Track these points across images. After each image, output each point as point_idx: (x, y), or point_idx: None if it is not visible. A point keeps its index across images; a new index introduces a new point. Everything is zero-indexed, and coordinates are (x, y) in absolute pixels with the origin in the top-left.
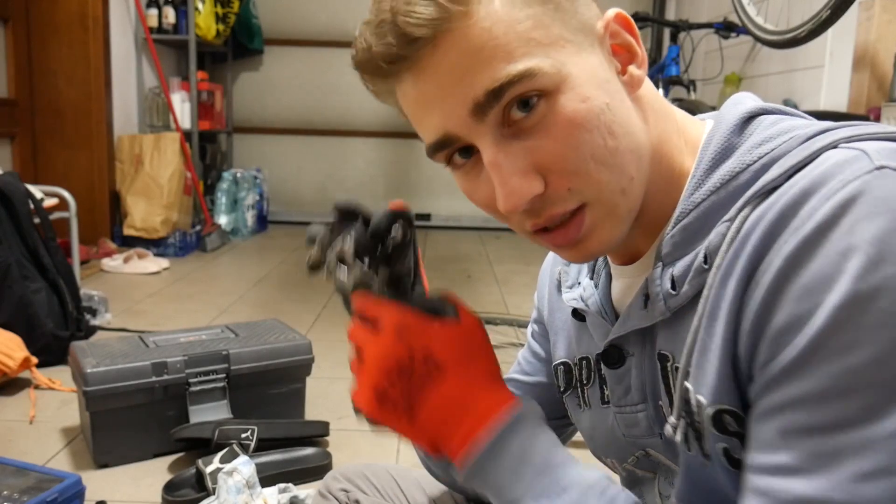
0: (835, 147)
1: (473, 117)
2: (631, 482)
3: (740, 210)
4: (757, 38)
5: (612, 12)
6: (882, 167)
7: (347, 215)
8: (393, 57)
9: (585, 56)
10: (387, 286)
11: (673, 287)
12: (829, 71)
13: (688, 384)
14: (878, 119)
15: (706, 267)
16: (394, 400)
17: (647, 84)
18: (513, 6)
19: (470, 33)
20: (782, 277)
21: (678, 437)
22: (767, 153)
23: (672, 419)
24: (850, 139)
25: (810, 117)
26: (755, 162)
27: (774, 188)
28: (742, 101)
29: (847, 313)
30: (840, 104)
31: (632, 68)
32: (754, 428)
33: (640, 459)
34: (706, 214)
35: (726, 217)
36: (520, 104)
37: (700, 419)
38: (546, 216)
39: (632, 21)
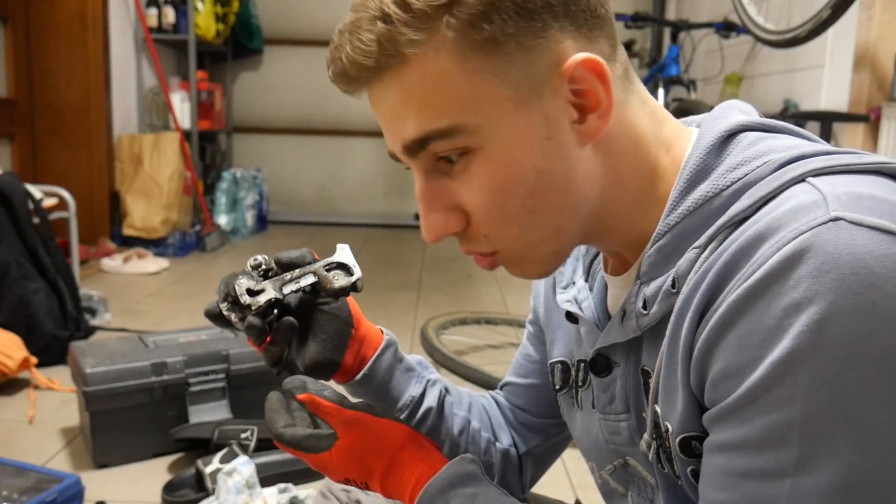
0: (802, 181)
1: (404, 154)
2: (606, 493)
3: (711, 238)
4: (757, 38)
5: (579, 57)
6: (836, 219)
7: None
8: (347, 78)
9: (526, 112)
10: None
11: (644, 307)
12: (829, 71)
13: (657, 408)
14: (878, 119)
15: (674, 291)
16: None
17: (623, 117)
18: (452, 60)
19: (406, 79)
20: (726, 323)
21: (650, 457)
22: (740, 178)
23: (646, 436)
24: (820, 171)
25: (799, 129)
26: (728, 187)
27: (745, 218)
28: (725, 115)
29: (785, 369)
30: (840, 104)
31: (592, 117)
32: (705, 459)
33: (618, 469)
34: (679, 238)
35: (696, 243)
36: (443, 156)
37: (669, 443)
38: (465, 249)
39: (603, 68)
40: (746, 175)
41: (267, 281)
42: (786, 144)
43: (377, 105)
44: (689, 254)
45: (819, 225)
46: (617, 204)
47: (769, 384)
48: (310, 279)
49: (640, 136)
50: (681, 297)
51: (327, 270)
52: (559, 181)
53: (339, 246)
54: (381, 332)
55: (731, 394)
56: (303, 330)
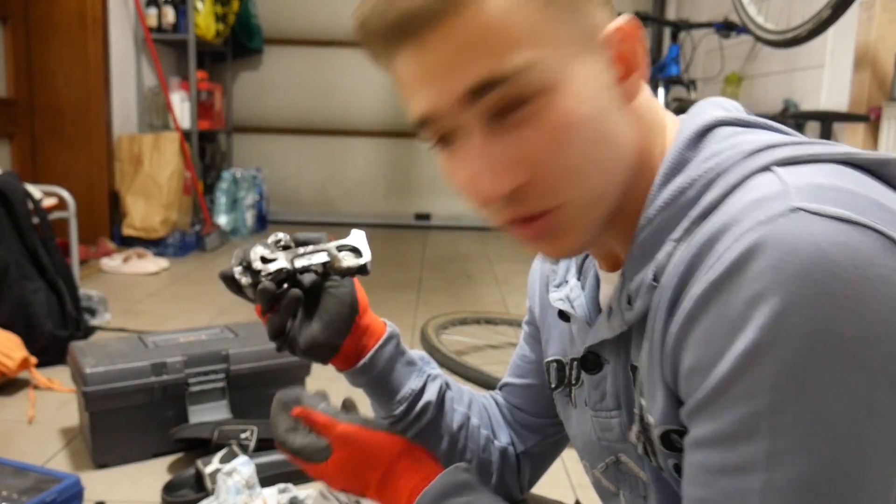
0: (768, 170)
1: (465, 102)
2: (600, 492)
3: (687, 230)
4: (757, 38)
5: (623, 18)
6: (797, 209)
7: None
8: (395, 28)
9: (586, 60)
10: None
11: (629, 301)
12: (829, 70)
13: (643, 401)
14: (878, 119)
15: (655, 285)
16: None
17: (645, 93)
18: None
19: (475, 19)
20: (692, 317)
21: (640, 450)
22: (712, 167)
23: (635, 427)
24: (787, 161)
25: (778, 125)
26: (701, 177)
27: (715, 208)
28: (703, 112)
29: (749, 360)
30: (841, 104)
31: (632, 78)
32: (685, 455)
33: (609, 467)
34: (658, 231)
35: (673, 235)
36: (513, 98)
37: (652, 437)
38: (522, 211)
39: (641, 30)
40: (718, 164)
41: (281, 252)
42: (760, 138)
43: (426, 57)
44: (667, 246)
45: (779, 215)
46: (637, 178)
47: (735, 377)
48: (322, 257)
49: (656, 117)
50: (657, 291)
51: (339, 251)
52: (615, 133)
53: (353, 231)
54: (385, 324)
55: (701, 388)
56: (309, 310)
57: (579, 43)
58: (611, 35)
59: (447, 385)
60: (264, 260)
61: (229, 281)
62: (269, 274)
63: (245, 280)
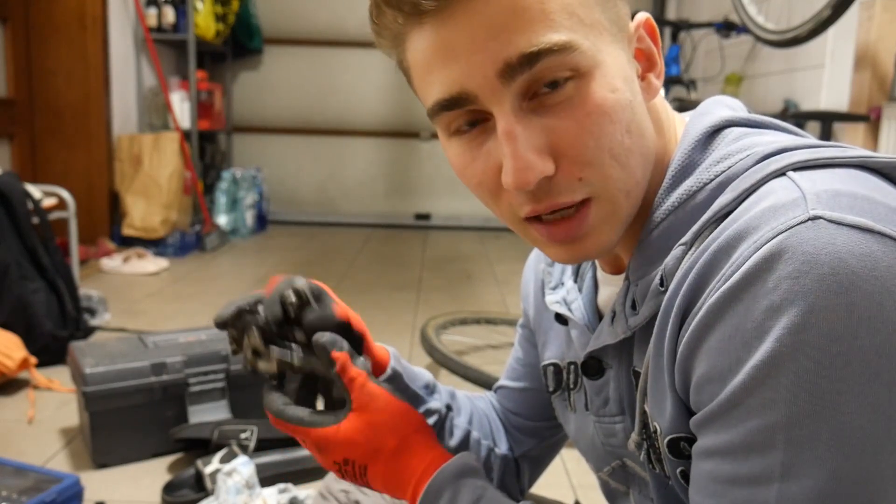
0: (783, 174)
1: (499, 79)
2: (608, 493)
3: (697, 235)
4: (757, 38)
5: (642, 16)
6: (815, 217)
7: (240, 314)
8: None
9: (617, 48)
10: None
11: (634, 306)
12: (829, 70)
13: (647, 408)
14: (878, 119)
15: (662, 289)
16: (349, 479)
17: (660, 95)
18: None
19: None
20: (707, 326)
21: (641, 457)
22: (724, 171)
23: (634, 436)
24: (802, 165)
25: (787, 125)
26: (712, 180)
27: (729, 213)
28: (710, 111)
29: (767, 372)
30: (841, 104)
31: (651, 76)
32: (694, 464)
33: (616, 470)
34: (666, 235)
35: (683, 240)
36: (548, 79)
37: (658, 444)
38: (548, 203)
39: (657, 30)
40: (729, 168)
41: (275, 349)
42: (771, 140)
43: (458, 31)
44: (676, 251)
45: (798, 224)
46: (655, 177)
47: (751, 388)
48: (310, 371)
49: (669, 118)
50: (666, 296)
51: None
52: (642, 125)
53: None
54: (389, 356)
55: (714, 398)
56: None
57: (611, 32)
58: (633, 31)
59: (448, 408)
60: (255, 352)
61: (221, 328)
62: (254, 369)
63: (232, 349)
